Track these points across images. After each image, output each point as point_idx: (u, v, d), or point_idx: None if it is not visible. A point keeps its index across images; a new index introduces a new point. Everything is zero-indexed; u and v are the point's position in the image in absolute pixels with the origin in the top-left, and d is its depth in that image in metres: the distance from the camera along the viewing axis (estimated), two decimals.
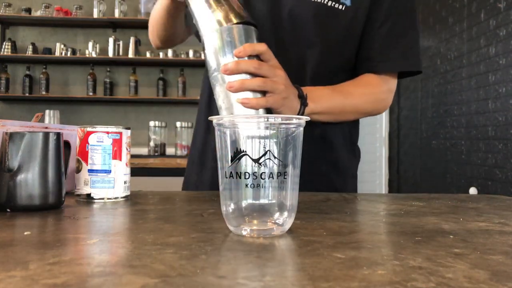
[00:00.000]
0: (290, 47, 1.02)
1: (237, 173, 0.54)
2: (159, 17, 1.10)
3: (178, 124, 4.09)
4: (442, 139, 3.18)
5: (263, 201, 0.54)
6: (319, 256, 0.44)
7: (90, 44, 4.37)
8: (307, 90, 0.92)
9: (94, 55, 4.36)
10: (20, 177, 0.69)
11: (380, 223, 0.66)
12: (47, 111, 3.37)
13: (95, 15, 4.32)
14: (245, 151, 0.53)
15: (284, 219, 0.56)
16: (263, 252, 0.46)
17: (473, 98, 2.78)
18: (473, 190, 2.69)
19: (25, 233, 0.54)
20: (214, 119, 0.55)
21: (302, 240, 0.52)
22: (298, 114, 0.90)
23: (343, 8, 1.00)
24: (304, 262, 0.43)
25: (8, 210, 0.69)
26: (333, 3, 0.99)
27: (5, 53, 4.29)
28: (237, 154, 0.53)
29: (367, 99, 1.06)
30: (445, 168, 3.11)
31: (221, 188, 0.56)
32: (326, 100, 0.97)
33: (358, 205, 0.80)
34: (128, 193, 0.84)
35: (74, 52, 4.37)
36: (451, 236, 0.55)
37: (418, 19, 1.11)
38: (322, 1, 0.99)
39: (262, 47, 0.84)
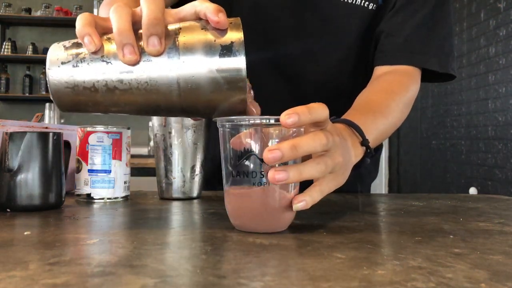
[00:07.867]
0: (315, 46, 0.96)
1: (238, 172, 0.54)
2: None
3: None
4: (442, 139, 3.18)
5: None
6: (319, 256, 0.44)
7: None
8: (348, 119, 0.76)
9: None
10: (20, 177, 0.69)
11: (380, 223, 0.66)
12: (47, 104, 3.34)
13: None
14: (252, 151, 0.53)
15: None
16: (263, 252, 0.46)
17: (473, 98, 2.78)
18: (473, 190, 2.69)
19: (25, 233, 0.54)
20: (218, 120, 0.56)
21: (302, 240, 0.52)
22: (358, 163, 0.69)
23: (374, 8, 0.93)
24: (304, 262, 0.43)
25: (8, 210, 0.69)
26: (365, 1, 0.92)
27: (5, 53, 4.29)
28: (244, 154, 0.53)
29: (403, 107, 0.91)
30: (445, 168, 3.11)
31: (226, 187, 0.57)
32: (372, 129, 0.78)
33: (358, 205, 0.80)
34: (128, 193, 0.84)
35: None
36: (451, 236, 0.55)
37: (452, 12, 0.97)
38: (354, 2, 0.92)
39: (323, 113, 0.53)
